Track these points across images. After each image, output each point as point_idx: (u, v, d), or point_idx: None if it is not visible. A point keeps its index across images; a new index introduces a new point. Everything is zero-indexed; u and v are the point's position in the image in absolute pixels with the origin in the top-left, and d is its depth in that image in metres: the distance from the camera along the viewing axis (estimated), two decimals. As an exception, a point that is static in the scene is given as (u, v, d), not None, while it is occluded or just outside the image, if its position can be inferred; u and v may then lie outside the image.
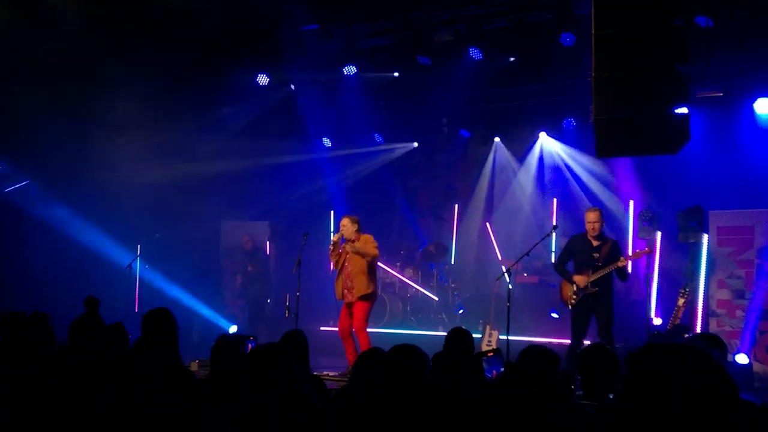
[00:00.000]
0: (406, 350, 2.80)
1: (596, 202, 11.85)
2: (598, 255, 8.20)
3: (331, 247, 8.96)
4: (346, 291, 8.74)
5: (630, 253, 9.09)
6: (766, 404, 2.10)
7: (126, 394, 2.22)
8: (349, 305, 8.70)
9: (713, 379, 1.52)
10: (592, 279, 8.15)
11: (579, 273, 8.29)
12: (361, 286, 8.60)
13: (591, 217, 8.34)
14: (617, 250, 8.28)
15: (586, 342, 8.16)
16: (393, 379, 2.71)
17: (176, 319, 4.91)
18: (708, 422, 1.49)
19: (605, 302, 8.17)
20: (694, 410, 1.49)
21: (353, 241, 8.76)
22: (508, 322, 8.29)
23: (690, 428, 1.49)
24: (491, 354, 4.13)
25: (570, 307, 8.42)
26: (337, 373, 8.42)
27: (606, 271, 8.11)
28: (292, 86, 12.44)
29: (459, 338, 4.98)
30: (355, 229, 8.80)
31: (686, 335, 8.21)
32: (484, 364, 4.06)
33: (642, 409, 1.50)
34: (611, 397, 3.31)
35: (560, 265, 8.56)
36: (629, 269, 8.57)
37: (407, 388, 2.71)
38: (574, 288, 8.28)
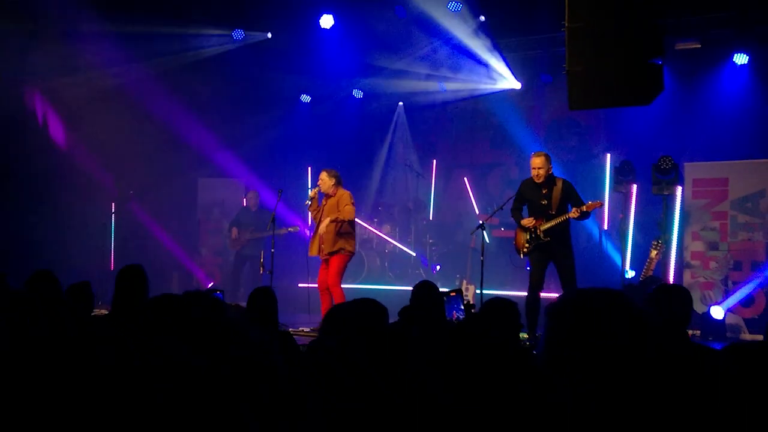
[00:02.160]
0: (362, 304, 2.78)
1: (573, 154, 11.85)
2: (547, 201, 7.74)
3: (308, 202, 8.90)
4: (322, 246, 8.67)
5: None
6: (726, 347, 2.12)
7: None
8: (326, 260, 8.68)
9: (625, 322, 1.56)
10: (543, 228, 7.72)
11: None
12: (334, 241, 8.53)
13: (535, 162, 7.74)
14: (570, 191, 7.77)
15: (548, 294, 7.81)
16: (350, 334, 2.71)
17: (152, 274, 4.86)
18: (626, 363, 1.52)
19: (562, 251, 7.74)
20: (610, 353, 1.53)
21: (330, 196, 8.68)
22: (482, 276, 8.32)
23: (610, 370, 1.52)
24: (453, 294, 4.15)
25: (522, 255, 8.08)
26: (309, 329, 8.44)
27: (557, 221, 7.67)
28: (269, 34, 12.13)
29: (425, 291, 4.99)
30: (332, 183, 8.70)
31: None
32: (446, 304, 4.07)
33: (563, 355, 1.52)
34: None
35: (514, 211, 8.07)
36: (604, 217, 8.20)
37: (365, 342, 2.71)
38: (527, 236, 7.85)
